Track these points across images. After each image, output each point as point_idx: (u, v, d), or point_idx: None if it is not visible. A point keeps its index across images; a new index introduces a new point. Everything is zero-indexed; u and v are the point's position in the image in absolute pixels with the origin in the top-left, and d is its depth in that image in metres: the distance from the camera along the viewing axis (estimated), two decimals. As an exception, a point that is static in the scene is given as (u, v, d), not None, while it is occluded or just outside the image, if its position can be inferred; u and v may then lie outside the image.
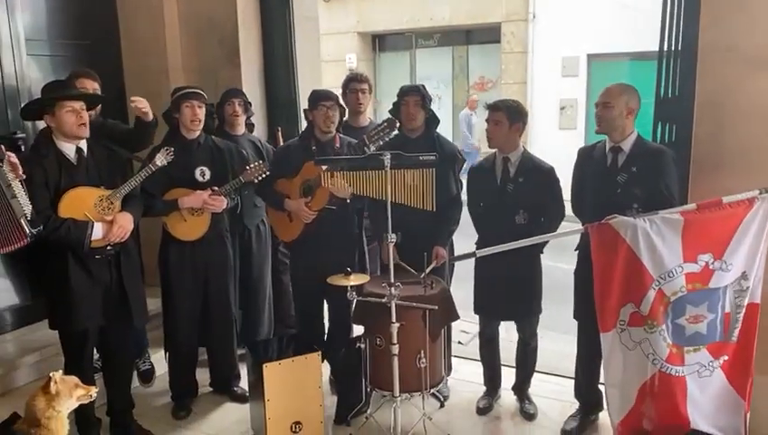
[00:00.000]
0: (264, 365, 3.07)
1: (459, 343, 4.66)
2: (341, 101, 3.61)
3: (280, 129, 4.23)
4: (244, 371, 3.79)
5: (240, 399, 3.72)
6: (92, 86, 3.49)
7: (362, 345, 3.28)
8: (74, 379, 2.28)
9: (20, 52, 3.95)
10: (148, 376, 3.93)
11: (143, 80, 4.42)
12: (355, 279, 3.06)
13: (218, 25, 4.32)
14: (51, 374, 2.20)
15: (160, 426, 3.47)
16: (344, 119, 4.10)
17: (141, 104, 3.39)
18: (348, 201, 3.37)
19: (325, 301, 3.71)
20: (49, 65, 4.15)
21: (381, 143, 3.74)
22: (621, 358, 2.92)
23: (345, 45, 12.52)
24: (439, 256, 3.41)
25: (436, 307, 3.03)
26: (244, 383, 3.78)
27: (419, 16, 12.01)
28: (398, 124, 3.48)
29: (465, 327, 4.73)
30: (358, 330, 3.73)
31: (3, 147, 2.72)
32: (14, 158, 2.74)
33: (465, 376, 3.91)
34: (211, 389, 3.85)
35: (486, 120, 3.32)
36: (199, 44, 4.40)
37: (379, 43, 13.25)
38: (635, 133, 3.05)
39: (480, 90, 12.22)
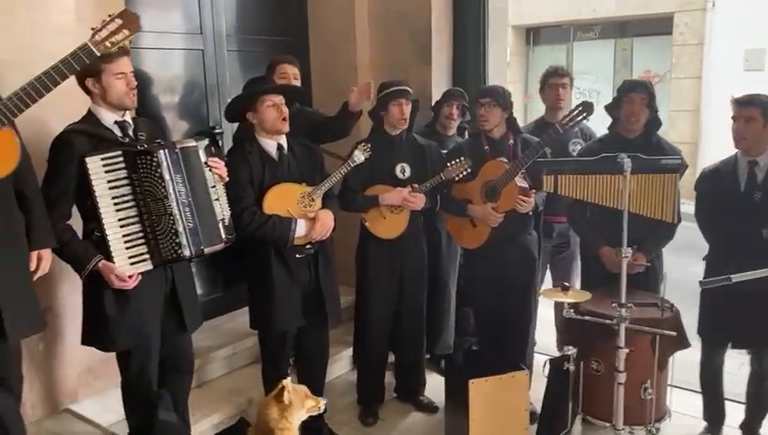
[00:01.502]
0: (470, 382, 2.87)
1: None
2: (506, 99, 3.29)
3: (467, 126, 4.02)
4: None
5: (427, 409, 3.57)
6: (293, 72, 3.47)
7: (571, 367, 2.98)
8: (304, 389, 2.19)
9: (221, 47, 4.01)
10: None
11: (330, 76, 4.39)
12: (574, 295, 2.78)
13: (410, 21, 4.17)
14: (283, 383, 2.11)
15: (349, 431, 3.39)
16: (541, 115, 3.92)
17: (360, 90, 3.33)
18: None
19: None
20: (242, 61, 4.18)
21: (576, 129, 3.51)
22: None
23: (499, 39, 12.14)
24: (636, 260, 3.01)
25: (675, 334, 2.68)
26: (428, 392, 3.64)
27: (580, 8, 11.37)
28: (593, 108, 3.15)
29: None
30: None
31: (213, 149, 2.72)
32: (220, 162, 2.72)
33: (675, 407, 3.48)
34: (395, 395, 3.71)
35: (733, 118, 2.90)
36: (389, 40, 4.28)
37: (534, 36, 12.73)
38: None
39: (646, 85, 11.36)
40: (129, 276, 2.45)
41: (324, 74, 4.43)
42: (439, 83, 4.14)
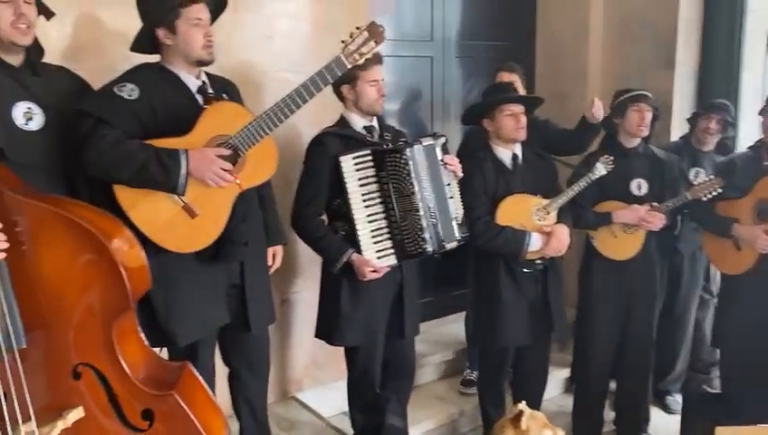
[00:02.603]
0: (717, 428, 2.55)
1: None
2: None
3: (729, 143, 3.61)
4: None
5: (654, 447, 3.26)
6: (509, 78, 3.35)
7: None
8: (542, 417, 2.07)
9: (450, 54, 4.01)
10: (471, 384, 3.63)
11: (555, 82, 4.21)
12: None
13: (653, 24, 3.85)
14: (520, 407, 2.01)
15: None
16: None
17: (598, 104, 3.17)
18: None
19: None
20: (465, 67, 4.14)
21: None
22: None
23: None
24: None
25: None
26: (651, 429, 3.34)
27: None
28: None
29: None
30: None
31: (447, 147, 2.72)
32: (455, 159, 2.72)
33: None
34: (614, 427, 3.43)
35: None
36: (626, 46, 4.00)
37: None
38: None
39: None
40: None
41: (550, 81, 4.26)
42: (683, 91, 3.79)
